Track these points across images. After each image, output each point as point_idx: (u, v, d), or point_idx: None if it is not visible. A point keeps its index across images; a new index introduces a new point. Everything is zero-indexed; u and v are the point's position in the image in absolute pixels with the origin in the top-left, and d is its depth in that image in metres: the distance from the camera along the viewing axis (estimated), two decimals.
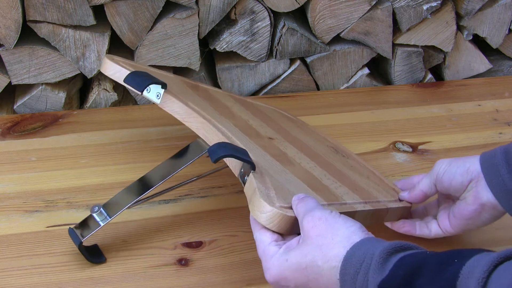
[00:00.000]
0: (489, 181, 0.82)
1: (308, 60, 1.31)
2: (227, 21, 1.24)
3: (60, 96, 1.22)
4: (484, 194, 0.83)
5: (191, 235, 0.94)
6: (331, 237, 0.68)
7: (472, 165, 0.84)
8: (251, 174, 0.78)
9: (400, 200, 0.92)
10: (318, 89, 1.35)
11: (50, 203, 0.99)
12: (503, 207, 0.82)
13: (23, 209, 0.97)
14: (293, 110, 1.25)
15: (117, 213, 0.88)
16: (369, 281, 0.63)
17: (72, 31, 1.16)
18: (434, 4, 1.29)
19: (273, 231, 0.73)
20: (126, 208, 0.88)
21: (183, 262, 0.90)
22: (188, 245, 0.92)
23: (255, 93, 1.33)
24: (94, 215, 0.88)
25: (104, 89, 1.23)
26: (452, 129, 1.22)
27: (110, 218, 0.87)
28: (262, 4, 1.22)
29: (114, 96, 1.24)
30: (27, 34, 1.16)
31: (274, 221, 0.73)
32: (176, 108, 0.91)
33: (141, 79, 0.92)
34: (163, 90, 0.92)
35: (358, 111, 1.27)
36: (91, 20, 1.16)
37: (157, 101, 0.92)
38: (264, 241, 0.73)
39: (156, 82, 0.91)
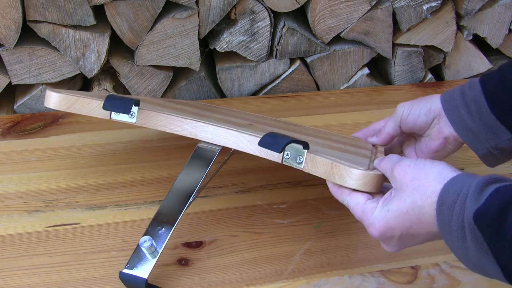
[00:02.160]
0: (452, 120, 0.91)
1: (308, 60, 1.31)
2: (227, 21, 1.24)
3: None
4: (446, 129, 0.92)
5: (191, 235, 0.94)
6: (425, 177, 0.72)
7: (433, 104, 0.93)
8: (306, 153, 0.80)
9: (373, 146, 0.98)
10: (318, 89, 1.35)
11: (50, 203, 0.99)
12: (465, 142, 0.92)
13: (23, 209, 0.97)
14: (293, 110, 1.25)
15: (164, 243, 0.84)
16: (466, 210, 0.66)
17: (72, 31, 1.16)
18: (434, 4, 1.29)
19: (363, 193, 0.77)
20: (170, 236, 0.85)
21: (183, 262, 0.90)
22: (188, 245, 0.92)
23: (255, 93, 1.33)
24: (144, 249, 0.83)
25: (104, 89, 1.23)
26: None
27: (159, 251, 0.83)
28: (262, 4, 1.22)
29: None
30: (27, 34, 1.16)
31: (372, 183, 0.77)
32: (159, 122, 0.87)
33: (122, 101, 0.87)
34: (137, 107, 0.88)
35: (358, 111, 1.27)
36: (91, 20, 1.16)
37: (131, 120, 0.87)
38: (360, 202, 0.77)
39: (135, 102, 0.87)
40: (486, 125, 0.89)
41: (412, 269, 0.90)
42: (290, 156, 0.81)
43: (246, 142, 0.84)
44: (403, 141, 1.00)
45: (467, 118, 0.90)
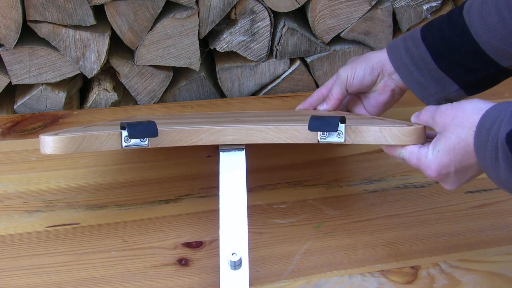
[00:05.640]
0: (403, 77, 0.99)
1: (308, 60, 1.31)
2: (227, 21, 1.24)
3: (60, 96, 1.22)
4: (391, 82, 1.01)
5: (191, 235, 0.94)
6: (463, 113, 0.78)
7: (374, 63, 1.01)
8: (345, 126, 0.84)
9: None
10: None
11: (50, 203, 0.99)
12: (416, 95, 0.99)
13: (23, 209, 0.97)
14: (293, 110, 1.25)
15: (247, 253, 0.84)
16: (500, 131, 0.72)
17: (72, 31, 1.16)
18: (434, 4, 1.29)
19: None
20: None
21: (183, 262, 0.90)
22: (188, 245, 0.92)
23: (255, 93, 1.33)
24: (232, 264, 0.83)
25: (104, 89, 1.23)
26: None
27: (243, 262, 0.83)
28: (262, 4, 1.22)
29: (114, 96, 1.24)
30: (27, 34, 1.16)
31: (422, 135, 0.84)
32: (174, 138, 0.86)
33: (144, 125, 0.84)
34: None
35: None
36: (91, 20, 1.16)
37: (144, 144, 0.84)
38: (414, 151, 0.84)
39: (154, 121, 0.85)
40: (435, 79, 0.96)
41: (412, 269, 0.90)
42: (327, 134, 0.84)
43: (273, 133, 0.86)
44: (347, 103, 1.08)
45: (417, 75, 0.97)
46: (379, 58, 1.01)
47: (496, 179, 0.75)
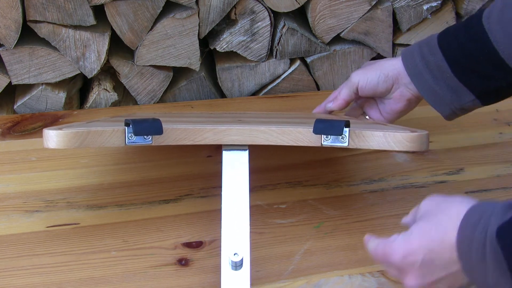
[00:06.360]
0: (418, 86, 0.98)
1: (308, 60, 1.31)
2: (227, 21, 1.24)
3: (60, 96, 1.22)
4: (407, 91, 1.00)
5: (191, 235, 0.94)
6: (451, 202, 0.71)
7: (390, 71, 1.00)
8: (349, 130, 0.84)
9: (330, 113, 1.08)
10: (318, 89, 1.35)
11: (50, 203, 0.99)
12: (431, 104, 0.98)
13: (23, 209, 0.97)
14: (293, 110, 1.25)
15: (249, 253, 0.83)
16: (490, 226, 0.64)
17: (72, 31, 1.16)
18: (434, 4, 1.29)
19: None
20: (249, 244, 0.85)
21: (183, 262, 0.90)
22: (188, 245, 0.92)
23: (255, 93, 1.33)
24: (233, 264, 0.83)
25: (104, 89, 1.23)
26: (452, 129, 1.22)
27: (244, 263, 0.83)
28: (262, 4, 1.22)
29: (114, 96, 1.24)
30: (27, 34, 1.16)
31: (425, 141, 0.84)
32: (178, 136, 0.85)
33: (148, 123, 0.84)
34: None
35: None
36: (91, 20, 1.16)
37: (147, 142, 0.84)
38: (382, 240, 0.74)
39: (157, 119, 0.85)
40: (451, 88, 0.95)
41: None
42: (330, 137, 0.85)
43: (277, 135, 0.86)
44: (362, 104, 1.08)
45: (433, 83, 0.96)
46: (394, 67, 1.00)
47: (483, 285, 0.66)
